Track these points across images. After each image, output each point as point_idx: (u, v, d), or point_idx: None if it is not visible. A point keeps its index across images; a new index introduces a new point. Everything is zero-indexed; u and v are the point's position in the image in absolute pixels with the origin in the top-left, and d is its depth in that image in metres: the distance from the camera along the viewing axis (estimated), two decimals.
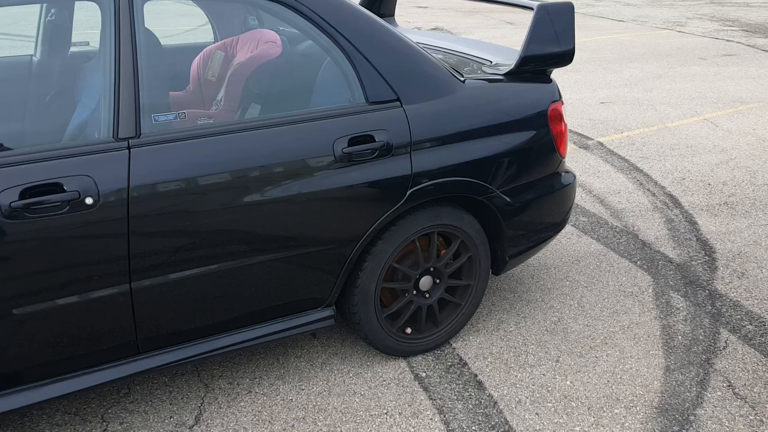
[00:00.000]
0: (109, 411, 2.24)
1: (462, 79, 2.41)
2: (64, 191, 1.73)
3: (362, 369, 2.48)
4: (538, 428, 2.20)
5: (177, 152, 1.89)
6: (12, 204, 1.67)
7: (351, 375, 2.44)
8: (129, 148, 1.83)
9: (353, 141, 2.14)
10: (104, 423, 2.18)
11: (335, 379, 2.43)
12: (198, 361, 2.11)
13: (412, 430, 2.19)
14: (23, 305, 1.77)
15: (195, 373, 2.43)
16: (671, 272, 3.17)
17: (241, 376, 2.42)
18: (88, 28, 2.71)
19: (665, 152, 4.80)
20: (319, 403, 2.30)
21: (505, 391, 2.37)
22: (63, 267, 1.79)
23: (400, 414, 2.25)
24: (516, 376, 2.45)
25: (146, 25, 2.04)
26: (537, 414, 2.26)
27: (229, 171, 1.95)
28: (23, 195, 1.68)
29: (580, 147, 4.91)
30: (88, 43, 2.89)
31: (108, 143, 1.82)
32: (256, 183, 1.99)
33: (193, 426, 2.18)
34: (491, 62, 2.71)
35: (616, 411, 2.28)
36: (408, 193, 2.24)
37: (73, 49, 2.84)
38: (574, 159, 4.66)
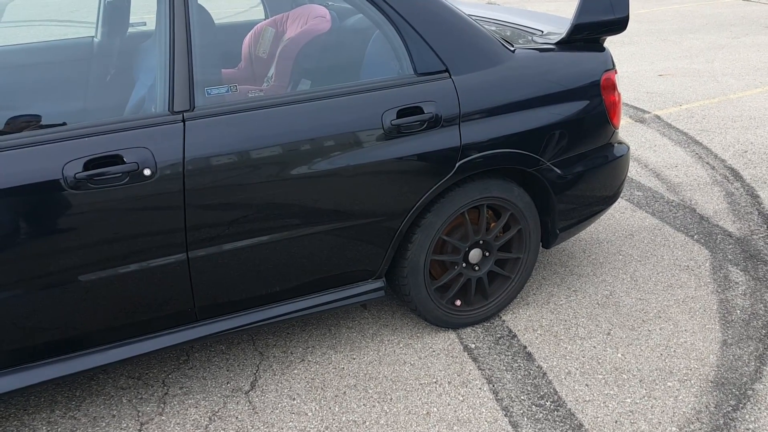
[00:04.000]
0: (170, 376, 2.34)
1: (512, 49, 2.38)
2: (124, 163, 1.81)
3: (412, 340, 2.51)
4: (587, 399, 2.19)
5: (229, 124, 1.94)
6: (77, 175, 1.76)
7: (401, 345, 2.48)
8: (184, 120, 1.89)
9: (402, 113, 2.15)
10: (165, 387, 2.29)
11: (386, 349, 2.47)
12: (253, 330, 2.18)
13: (461, 398, 2.21)
14: (87, 272, 1.87)
15: (250, 342, 2.51)
16: (730, 246, 3.07)
17: (295, 345, 2.49)
18: (145, 11, 2.80)
19: (726, 124, 4.62)
20: (370, 372, 2.34)
21: (555, 363, 2.36)
22: (123, 236, 1.87)
23: (449, 383, 2.28)
24: (566, 348, 2.43)
25: (200, 2, 2.09)
26: (587, 385, 2.25)
27: (279, 143, 1.99)
28: (87, 166, 1.77)
29: (636, 121, 4.77)
30: (145, 24, 2.98)
31: (164, 116, 1.88)
32: (305, 155, 2.03)
33: (249, 391, 2.26)
34: (542, 32, 2.66)
35: (669, 384, 2.24)
36: (457, 165, 2.24)
37: (131, 29, 2.94)
38: (629, 133, 4.54)
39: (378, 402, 2.21)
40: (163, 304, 2.02)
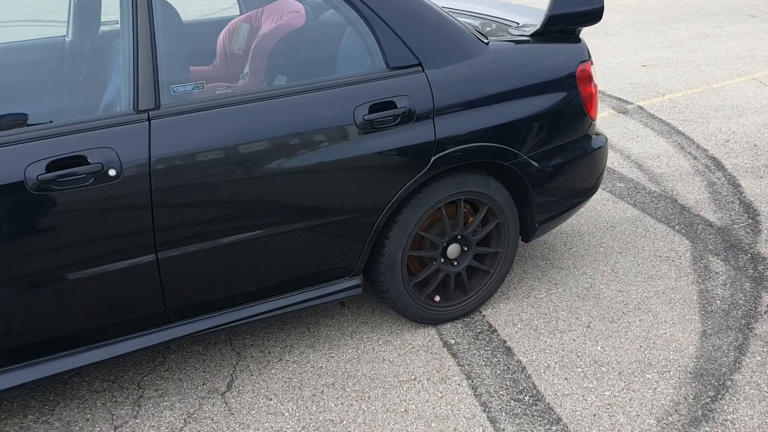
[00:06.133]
0: (145, 378, 2.31)
1: (486, 41, 2.36)
2: (88, 163, 1.77)
3: (391, 337, 2.49)
4: (566, 393, 2.18)
5: (196, 122, 1.91)
6: (39, 177, 1.72)
7: (380, 343, 2.46)
8: (149, 119, 1.86)
9: (374, 108, 2.12)
10: (140, 389, 2.26)
11: (365, 346, 2.44)
12: (229, 330, 2.15)
13: (440, 395, 2.19)
14: (56, 275, 1.83)
15: (227, 343, 2.49)
16: (711, 236, 3.07)
17: (273, 344, 2.47)
18: (117, 10, 2.76)
19: (709, 114, 4.62)
20: (348, 370, 2.32)
21: (534, 357, 2.35)
22: (91, 238, 1.84)
23: (428, 380, 2.26)
24: (545, 342, 2.42)
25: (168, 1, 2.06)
26: (566, 379, 2.24)
27: (248, 141, 1.96)
28: (50, 168, 1.73)
29: (618, 112, 4.77)
30: (117, 22, 2.93)
31: (128, 115, 1.85)
32: (276, 152, 2.00)
33: (225, 392, 2.23)
34: (518, 24, 2.64)
35: (648, 376, 2.23)
36: (432, 159, 2.22)
37: (103, 28, 2.89)
38: (612, 124, 4.53)
39: (356, 400, 2.19)
40: (134, 305, 1.99)
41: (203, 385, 2.27)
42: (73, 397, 2.23)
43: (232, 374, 2.32)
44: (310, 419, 2.11)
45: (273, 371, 2.33)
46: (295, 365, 2.36)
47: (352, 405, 2.17)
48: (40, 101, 2.69)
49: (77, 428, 2.10)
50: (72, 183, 1.76)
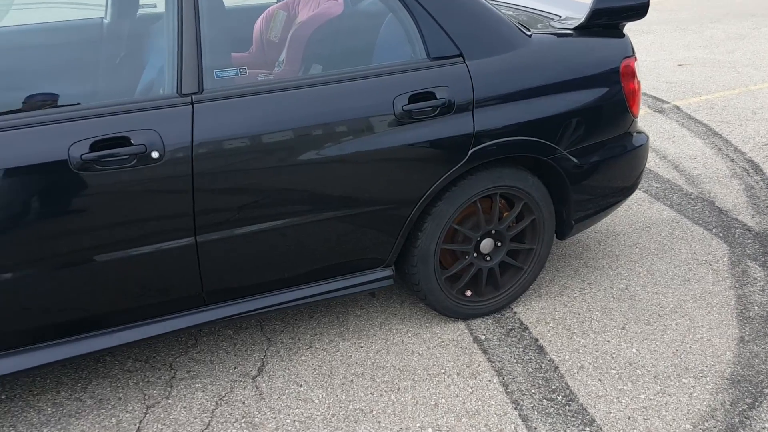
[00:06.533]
0: (177, 360, 2.32)
1: (528, 34, 2.32)
2: (132, 145, 1.78)
3: (421, 330, 2.47)
4: (600, 394, 2.15)
5: (238, 108, 1.91)
6: (83, 156, 1.73)
7: (410, 335, 2.45)
8: (192, 103, 1.86)
9: (413, 98, 2.10)
10: (172, 371, 2.27)
11: (394, 338, 2.43)
12: (261, 315, 2.16)
13: (470, 390, 2.18)
14: (95, 254, 1.85)
15: (258, 328, 2.49)
16: (749, 241, 3.00)
17: (302, 331, 2.47)
18: None
19: (747, 116, 4.52)
20: (377, 361, 2.32)
21: (567, 357, 2.32)
22: (131, 219, 1.85)
23: (458, 374, 2.25)
24: (578, 342, 2.39)
25: None
26: (600, 380, 2.20)
27: (288, 128, 1.95)
28: (93, 148, 1.74)
29: (654, 111, 4.68)
30: (155, 5, 2.95)
31: (172, 98, 1.85)
32: (315, 140, 1.99)
33: (256, 377, 2.24)
34: (560, 17, 2.60)
35: (684, 380, 2.19)
36: (470, 152, 2.19)
37: (141, 11, 2.90)
38: (647, 123, 4.45)
39: (385, 391, 2.18)
40: (171, 287, 2.00)
41: (234, 368, 2.28)
42: (106, 375, 2.26)
43: (262, 359, 2.32)
44: (340, 407, 2.11)
45: (303, 358, 2.33)
46: (325, 353, 2.36)
47: (381, 396, 2.16)
48: (77, 82, 2.71)
49: (109, 406, 2.12)
50: (114, 164, 1.77)
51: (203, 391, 2.18)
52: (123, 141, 1.77)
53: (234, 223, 1.97)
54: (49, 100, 2.19)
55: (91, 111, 1.79)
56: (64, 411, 2.10)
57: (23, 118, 1.73)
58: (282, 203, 2.02)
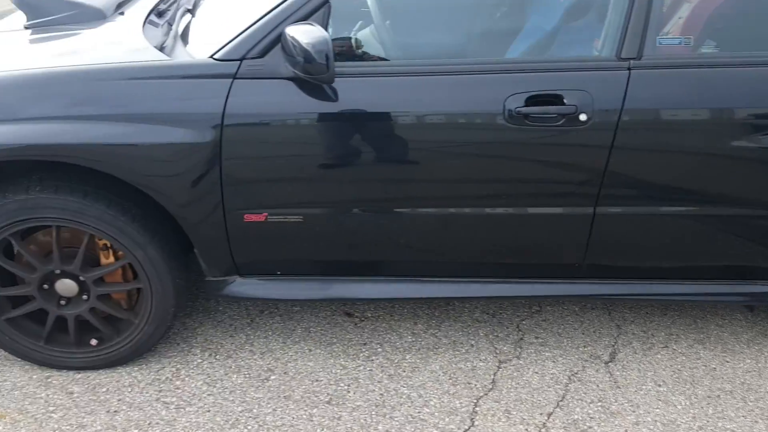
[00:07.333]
0: (524, 322, 2.33)
1: None
2: (563, 104, 1.75)
3: None
4: None
5: (675, 80, 1.77)
6: (517, 109, 1.75)
7: None
8: (629, 69, 1.76)
9: None
10: (520, 332, 2.29)
11: (765, 360, 2.15)
12: (632, 301, 2.07)
13: None
14: (498, 206, 1.89)
15: (605, 312, 2.39)
16: None
17: (656, 328, 2.30)
18: None
19: None
20: (747, 381, 2.07)
21: None
22: (540, 178, 1.85)
23: None
24: None
25: None
26: None
27: (731, 107, 1.77)
28: (527, 102, 1.75)
29: None
30: None
31: (610, 61, 1.78)
32: (734, 127, 1.78)
33: (609, 363, 2.15)
34: None
35: None
36: None
37: None
38: None
39: (761, 418, 1.93)
40: (554, 252, 1.98)
41: (584, 347, 2.22)
42: (457, 319, 2.35)
43: (613, 346, 2.22)
44: (707, 421, 1.92)
45: (658, 356, 2.17)
46: (684, 358, 2.17)
47: (756, 422, 1.92)
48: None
49: (463, 350, 2.21)
50: (543, 121, 1.76)
51: (554, 362, 2.15)
52: (556, 99, 1.76)
53: (639, 200, 1.87)
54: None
55: (527, 65, 1.80)
56: (423, 343, 2.24)
57: (463, 65, 1.80)
58: (689, 190, 1.86)
